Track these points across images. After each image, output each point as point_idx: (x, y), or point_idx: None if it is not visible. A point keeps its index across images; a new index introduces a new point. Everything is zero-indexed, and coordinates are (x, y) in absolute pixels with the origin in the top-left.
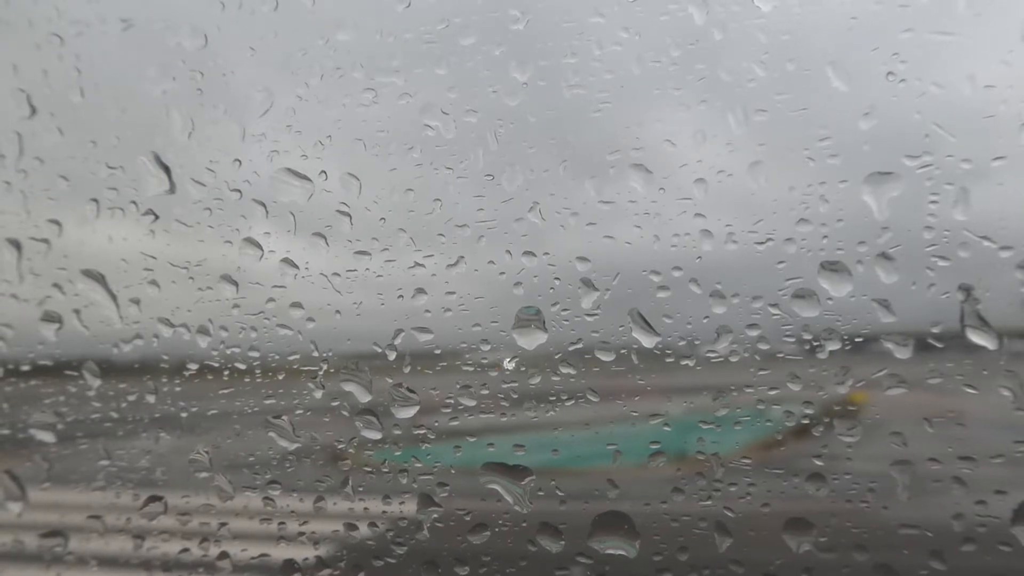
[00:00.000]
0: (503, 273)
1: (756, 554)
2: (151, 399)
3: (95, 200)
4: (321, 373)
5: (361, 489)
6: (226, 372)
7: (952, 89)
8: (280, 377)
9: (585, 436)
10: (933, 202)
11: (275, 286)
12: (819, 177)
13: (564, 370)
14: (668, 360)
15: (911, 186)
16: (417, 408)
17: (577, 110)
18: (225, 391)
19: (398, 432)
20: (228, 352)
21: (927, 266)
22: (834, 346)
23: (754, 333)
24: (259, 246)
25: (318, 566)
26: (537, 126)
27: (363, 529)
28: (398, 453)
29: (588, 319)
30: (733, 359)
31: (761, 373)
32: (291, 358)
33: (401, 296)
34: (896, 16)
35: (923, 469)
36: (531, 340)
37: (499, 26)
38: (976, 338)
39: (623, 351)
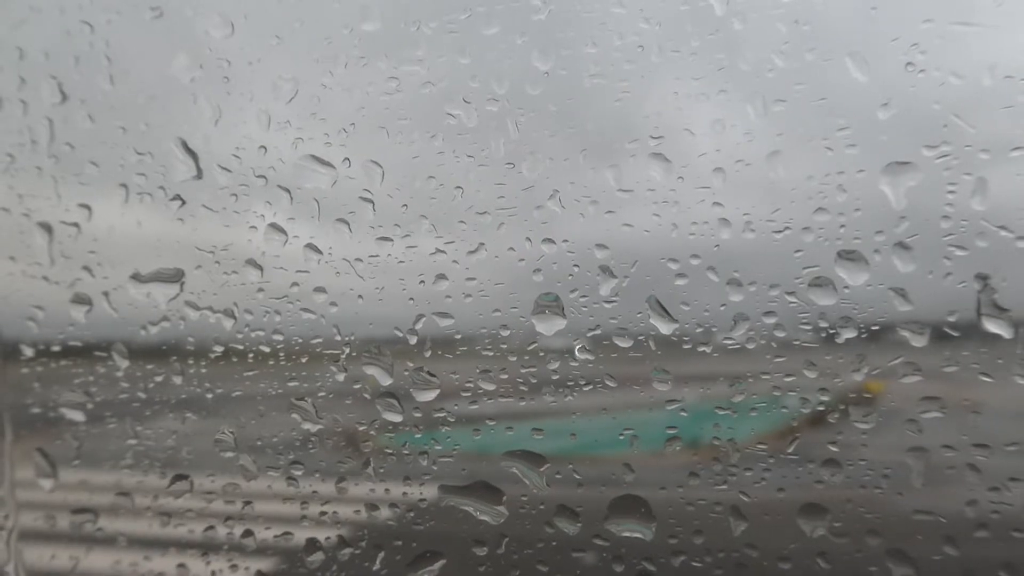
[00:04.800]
0: (523, 260)
1: (771, 538)
2: (177, 380)
3: (124, 185)
4: (343, 356)
5: (382, 471)
6: (251, 355)
7: (972, 79)
8: (303, 360)
9: (602, 421)
10: (951, 192)
11: (299, 271)
12: (837, 167)
13: (582, 356)
14: (685, 347)
15: (929, 176)
16: (437, 392)
17: (597, 99)
18: (249, 373)
19: (418, 415)
20: (253, 335)
21: (944, 255)
22: (850, 334)
23: (771, 321)
24: (284, 231)
25: (339, 545)
26: (558, 115)
27: (384, 510)
28: (418, 436)
29: (606, 306)
30: (750, 346)
31: (777, 360)
32: (314, 341)
33: (422, 282)
34: (916, 6)
35: (938, 456)
36: (550, 326)
37: (521, 16)
38: (992, 327)
39: (640, 337)
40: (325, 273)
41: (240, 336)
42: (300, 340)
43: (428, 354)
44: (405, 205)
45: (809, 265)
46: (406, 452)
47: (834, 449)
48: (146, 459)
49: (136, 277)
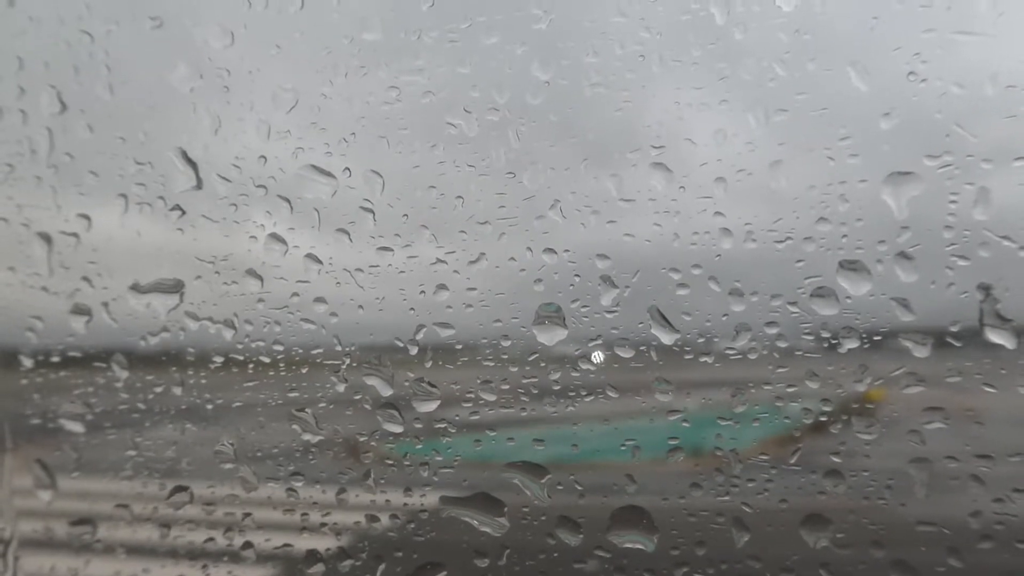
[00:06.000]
0: (524, 270)
1: (774, 549)
2: (177, 391)
3: (124, 195)
4: (344, 367)
5: (382, 481)
6: (251, 365)
7: (973, 89)
8: (303, 370)
9: (604, 431)
10: (953, 202)
11: (299, 281)
12: (839, 176)
13: (583, 366)
14: (687, 357)
15: (931, 186)
16: (438, 402)
17: (598, 109)
18: (250, 384)
19: (419, 425)
20: (253, 345)
21: (946, 265)
22: (853, 344)
23: (773, 331)
24: (284, 241)
25: (340, 556)
26: (558, 124)
27: (384, 520)
28: (419, 446)
29: (608, 316)
30: (751, 356)
31: (779, 370)
32: (314, 352)
33: (423, 292)
34: (918, 16)
35: (941, 467)
36: (551, 336)
37: (522, 25)
38: (995, 337)
39: (642, 347)
40: (325, 283)
41: (240, 346)
42: (300, 350)
43: (429, 364)
44: (406, 215)
45: (811, 275)
46: (407, 462)
47: (837, 459)
48: (146, 470)
49: (136, 287)
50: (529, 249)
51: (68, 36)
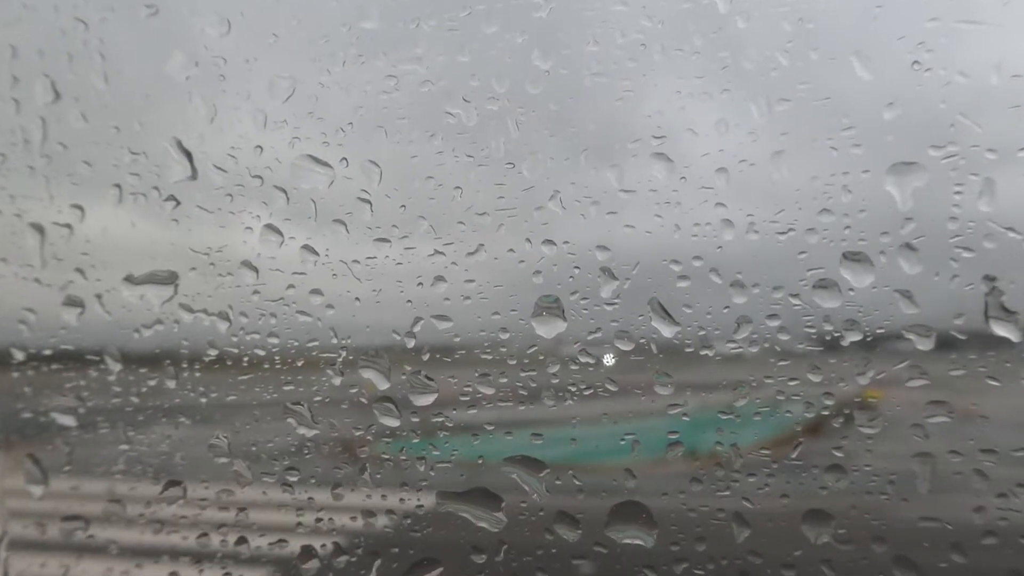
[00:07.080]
0: (523, 261)
1: (774, 545)
2: (171, 384)
3: (118, 185)
4: (340, 360)
5: (379, 477)
6: (245, 358)
7: (978, 79)
8: (299, 364)
9: (603, 426)
10: (957, 193)
11: (295, 273)
12: (842, 167)
13: (583, 359)
14: (687, 350)
15: (935, 176)
16: (435, 396)
17: (599, 98)
18: (244, 377)
19: (416, 420)
20: (248, 338)
21: (951, 257)
22: (855, 337)
23: (774, 323)
24: (280, 232)
25: (335, 553)
26: (558, 114)
27: (380, 517)
28: (416, 441)
29: (607, 308)
30: (753, 349)
31: (781, 364)
32: (310, 345)
33: (420, 284)
34: (921, 4)
35: (944, 462)
36: (550, 329)
37: (522, 14)
38: (1000, 330)
39: (642, 340)
40: (322, 275)
41: (235, 339)
42: (296, 343)
43: (426, 358)
44: (403, 206)
45: (814, 267)
46: (403, 458)
47: (838, 455)
48: (139, 465)
49: (129, 279)
50: (528, 240)
51: (62, 24)
